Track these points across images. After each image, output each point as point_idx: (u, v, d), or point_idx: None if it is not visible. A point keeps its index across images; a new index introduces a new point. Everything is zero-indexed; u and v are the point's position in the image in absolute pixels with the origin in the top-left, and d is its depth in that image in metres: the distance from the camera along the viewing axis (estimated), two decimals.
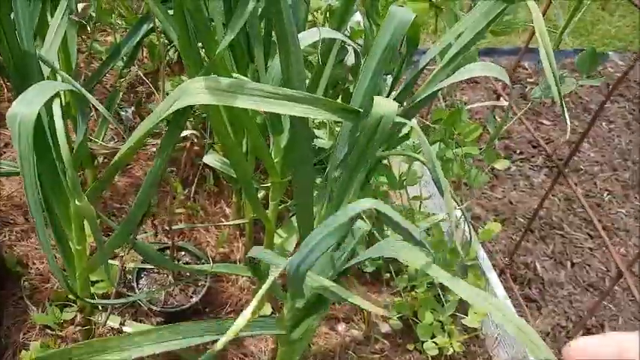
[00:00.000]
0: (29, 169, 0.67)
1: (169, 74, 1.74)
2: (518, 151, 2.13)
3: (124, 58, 1.33)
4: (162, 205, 1.43)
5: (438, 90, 0.84)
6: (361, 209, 0.59)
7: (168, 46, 1.57)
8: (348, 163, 0.74)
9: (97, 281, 1.25)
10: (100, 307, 1.20)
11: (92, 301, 1.09)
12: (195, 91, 0.68)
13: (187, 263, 1.31)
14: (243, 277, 1.48)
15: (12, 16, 0.80)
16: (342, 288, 0.72)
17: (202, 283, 1.31)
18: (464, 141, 1.02)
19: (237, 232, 1.56)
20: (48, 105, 0.72)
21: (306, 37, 0.83)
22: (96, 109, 1.43)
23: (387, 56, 0.76)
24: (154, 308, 1.24)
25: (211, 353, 0.57)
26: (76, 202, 0.91)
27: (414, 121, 0.78)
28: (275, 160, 1.06)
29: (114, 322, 1.19)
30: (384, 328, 1.40)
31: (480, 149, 1.07)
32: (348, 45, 1.07)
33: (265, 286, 0.64)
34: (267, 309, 1.36)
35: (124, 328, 1.17)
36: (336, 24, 0.98)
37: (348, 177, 0.74)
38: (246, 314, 0.62)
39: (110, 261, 1.24)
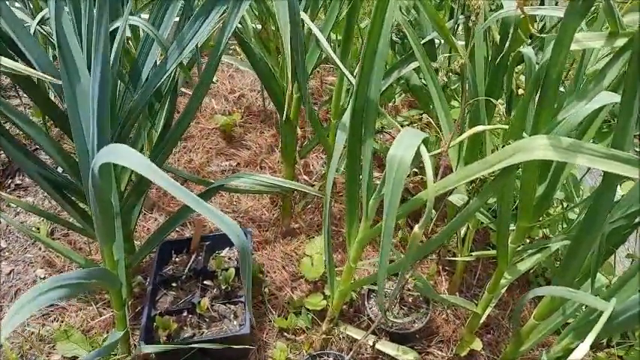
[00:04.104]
0: (392, 203, 0.81)
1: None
2: None
3: None
4: None
5: None
6: None
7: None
8: None
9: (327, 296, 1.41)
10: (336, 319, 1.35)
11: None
12: (537, 148, 0.79)
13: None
14: (447, 310, 1.57)
15: None
16: None
17: (423, 311, 1.42)
18: None
19: (440, 268, 1.66)
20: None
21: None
22: None
23: None
24: (389, 329, 1.36)
25: None
26: (363, 225, 1.07)
27: None
28: (533, 204, 1.15)
29: (353, 333, 1.32)
30: None
31: None
32: None
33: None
34: (478, 344, 1.43)
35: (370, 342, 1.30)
36: None
37: None
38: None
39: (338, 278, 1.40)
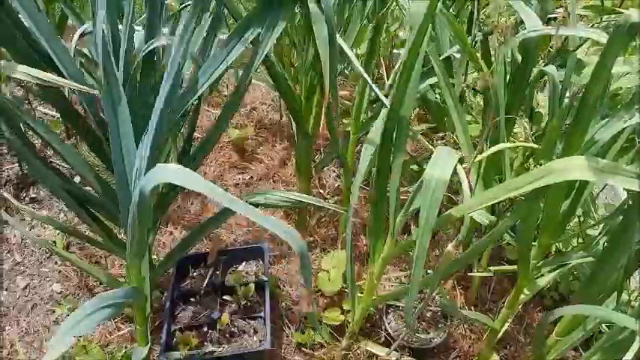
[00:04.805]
0: (428, 221, 0.82)
1: None
2: None
3: None
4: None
5: None
6: None
7: None
8: None
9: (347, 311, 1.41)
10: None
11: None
12: (572, 168, 0.80)
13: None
14: (464, 325, 1.57)
15: None
16: None
17: (442, 326, 1.42)
18: None
19: (455, 282, 1.67)
20: None
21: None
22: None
23: None
24: (408, 345, 1.36)
25: None
26: (389, 242, 1.08)
27: None
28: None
29: (373, 349, 1.32)
30: None
31: None
32: None
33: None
34: (495, 358, 1.43)
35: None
36: None
37: None
38: None
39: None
